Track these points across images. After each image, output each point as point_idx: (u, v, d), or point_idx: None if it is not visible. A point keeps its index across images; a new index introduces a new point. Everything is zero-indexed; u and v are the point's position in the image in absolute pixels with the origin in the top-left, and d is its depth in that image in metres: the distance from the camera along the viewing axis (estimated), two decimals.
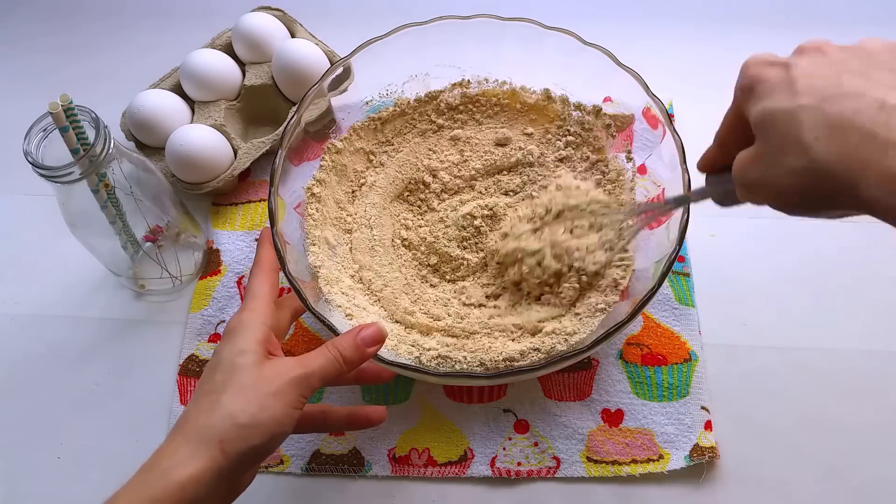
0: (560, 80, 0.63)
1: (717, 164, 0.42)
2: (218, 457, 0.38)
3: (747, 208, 0.40)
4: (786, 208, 0.36)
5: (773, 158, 0.33)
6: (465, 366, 0.53)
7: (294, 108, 0.61)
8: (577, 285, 0.55)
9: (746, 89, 0.36)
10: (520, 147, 0.64)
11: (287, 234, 0.55)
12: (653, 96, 0.56)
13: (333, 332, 0.48)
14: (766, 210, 0.68)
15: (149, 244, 0.64)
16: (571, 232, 0.55)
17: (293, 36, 0.74)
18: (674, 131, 0.54)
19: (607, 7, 0.80)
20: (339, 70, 0.60)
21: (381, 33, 0.60)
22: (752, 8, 0.79)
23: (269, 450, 0.40)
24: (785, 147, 0.33)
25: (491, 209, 0.61)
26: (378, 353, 0.46)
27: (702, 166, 0.43)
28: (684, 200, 0.49)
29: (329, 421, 0.50)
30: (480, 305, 0.58)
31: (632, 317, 0.48)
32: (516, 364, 0.52)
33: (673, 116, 0.54)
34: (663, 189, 0.57)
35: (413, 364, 0.49)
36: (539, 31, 0.59)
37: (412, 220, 0.63)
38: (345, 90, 0.63)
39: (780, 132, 0.33)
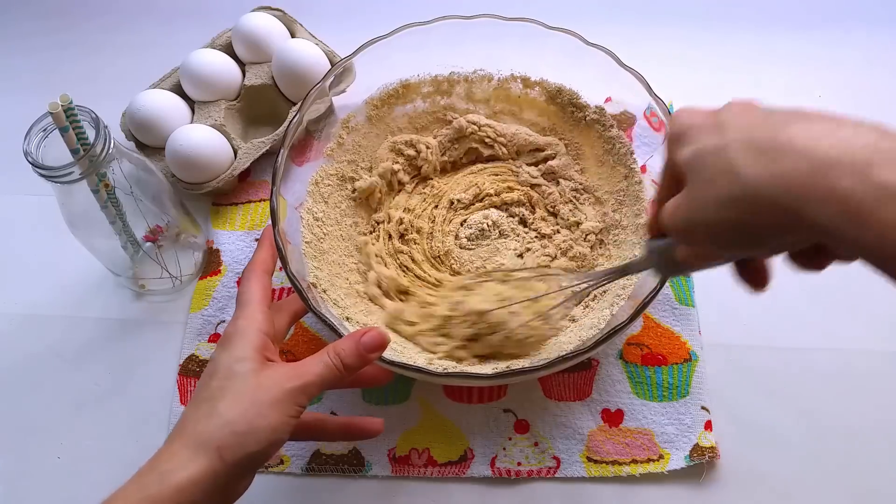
0: (563, 80, 0.63)
1: (657, 229, 0.40)
2: (216, 462, 0.39)
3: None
4: (724, 247, 0.34)
5: (703, 194, 0.32)
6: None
7: (296, 108, 0.61)
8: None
9: (675, 139, 0.35)
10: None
11: (288, 235, 0.55)
12: (655, 96, 0.56)
13: (336, 333, 0.48)
14: None
15: (149, 244, 0.64)
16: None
17: (293, 36, 0.74)
18: None
19: (609, 8, 0.80)
20: (341, 70, 0.60)
21: (382, 33, 0.60)
22: (753, 9, 0.79)
23: (266, 456, 0.41)
24: (715, 179, 0.31)
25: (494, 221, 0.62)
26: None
27: (648, 230, 0.42)
28: (624, 272, 0.47)
29: (326, 430, 0.50)
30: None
31: (633, 317, 0.48)
32: (517, 365, 0.52)
33: None
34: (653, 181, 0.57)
35: (415, 364, 0.49)
36: (542, 31, 0.59)
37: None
38: (346, 90, 0.63)
39: (709, 166, 0.32)
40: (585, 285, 0.50)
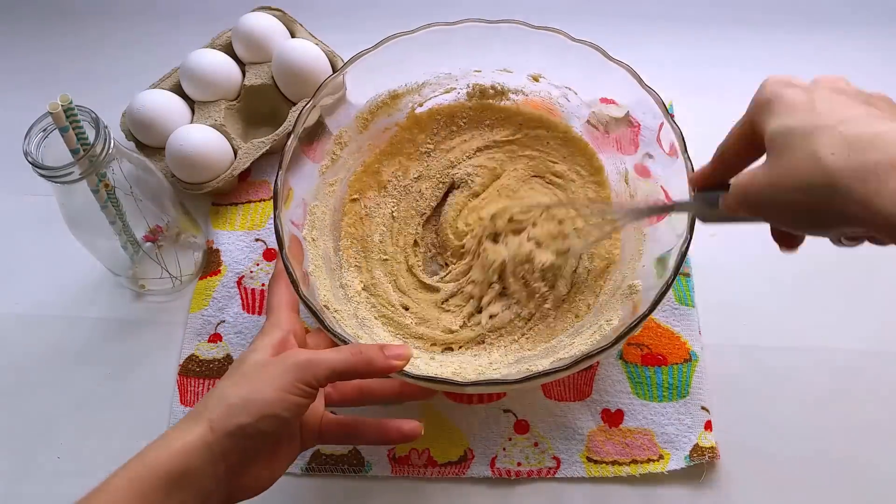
0: (553, 80, 0.63)
1: (713, 181, 0.42)
2: (206, 432, 0.41)
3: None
4: (791, 225, 0.36)
5: (785, 174, 0.34)
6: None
7: (291, 118, 0.59)
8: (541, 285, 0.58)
9: (763, 104, 0.36)
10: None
11: (295, 256, 0.54)
12: (647, 88, 0.55)
13: None
14: None
15: (149, 244, 0.64)
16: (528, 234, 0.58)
17: (293, 36, 0.74)
18: (672, 122, 0.53)
19: (603, 9, 0.80)
20: (330, 86, 0.59)
21: (381, 33, 0.59)
22: (753, 9, 0.79)
23: (258, 430, 0.41)
24: (799, 164, 0.33)
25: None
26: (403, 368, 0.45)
27: (696, 182, 0.43)
28: (667, 209, 0.51)
29: (360, 431, 0.49)
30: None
31: (642, 319, 0.48)
32: (537, 367, 0.51)
33: (673, 116, 0.54)
34: (661, 187, 0.57)
35: (441, 377, 0.48)
36: (527, 32, 0.58)
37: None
38: (336, 105, 0.62)
39: (795, 148, 0.33)
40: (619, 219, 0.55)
